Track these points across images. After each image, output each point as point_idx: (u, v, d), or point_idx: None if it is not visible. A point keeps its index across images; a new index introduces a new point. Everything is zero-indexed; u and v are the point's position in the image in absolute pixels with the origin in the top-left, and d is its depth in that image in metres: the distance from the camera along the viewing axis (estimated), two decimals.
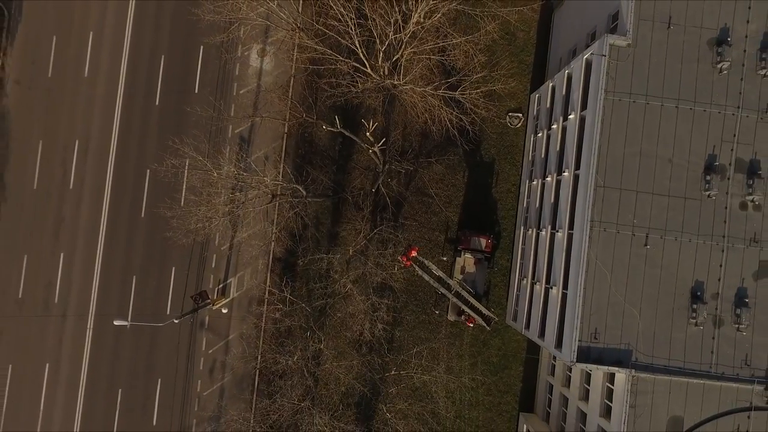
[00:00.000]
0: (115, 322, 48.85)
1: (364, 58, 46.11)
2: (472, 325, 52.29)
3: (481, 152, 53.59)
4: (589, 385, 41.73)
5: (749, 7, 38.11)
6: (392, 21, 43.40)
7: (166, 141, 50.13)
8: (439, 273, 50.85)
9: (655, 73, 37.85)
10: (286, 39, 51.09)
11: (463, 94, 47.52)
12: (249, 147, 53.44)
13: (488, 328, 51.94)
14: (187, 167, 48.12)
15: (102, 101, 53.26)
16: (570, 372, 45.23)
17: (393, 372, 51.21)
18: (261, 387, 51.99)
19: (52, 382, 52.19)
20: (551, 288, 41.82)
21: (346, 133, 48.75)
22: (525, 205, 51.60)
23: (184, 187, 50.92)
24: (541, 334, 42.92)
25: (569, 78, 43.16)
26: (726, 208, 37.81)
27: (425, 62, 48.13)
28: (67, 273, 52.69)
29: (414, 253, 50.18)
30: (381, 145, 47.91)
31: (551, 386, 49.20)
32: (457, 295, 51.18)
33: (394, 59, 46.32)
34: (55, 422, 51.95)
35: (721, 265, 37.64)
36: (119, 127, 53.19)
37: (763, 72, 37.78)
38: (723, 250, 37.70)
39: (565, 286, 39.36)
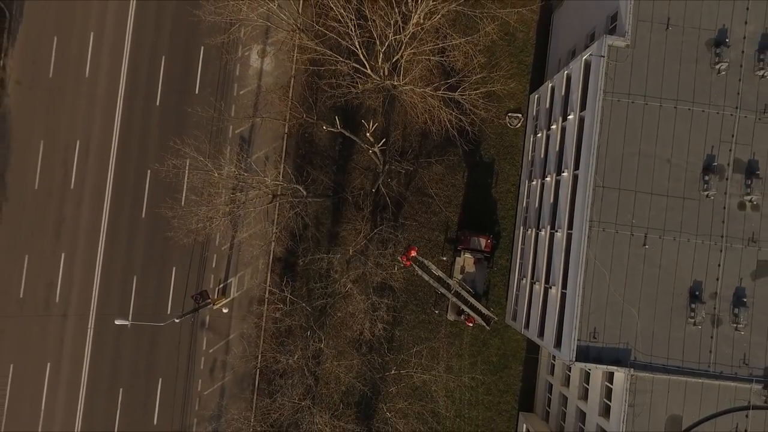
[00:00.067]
0: (116, 322, 49.06)
1: (364, 59, 46.25)
2: (471, 325, 52.44)
3: (480, 152, 53.75)
4: (588, 385, 41.87)
5: (747, 8, 38.24)
6: (392, 22, 43.52)
7: (166, 141, 50.26)
8: (439, 273, 50.98)
9: (653, 73, 38.01)
10: (286, 40, 51.20)
11: (463, 95, 47.67)
12: (249, 147, 53.59)
13: (488, 327, 52.10)
14: (187, 167, 48.23)
15: (103, 101, 53.41)
16: (569, 371, 45.37)
17: (393, 371, 51.35)
18: (261, 386, 52.14)
19: (54, 382, 52.34)
20: (550, 288, 41.97)
21: (347, 134, 48.88)
22: (524, 205, 51.75)
23: (185, 187, 51.07)
24: (541, 334, 43.06)
25: (568, 78, 43.30)
26: (724, 208, 37.96)
27: (425, 63, 48.26)
28: (68, 273, 52.84)
29: (413, 253, 50.31)
30: (381, 146, 48.04)
31: (551, 385, 49.35)
32: (457, 294, 51.32)
33: (394, 60, 46.46)
34: (56, 421, 52.11)
35: (719, 265, 37.79)
36: (120, 128, 53.34)
37: (760, 73, 37.91)
38: (721, 250, 37.85)
39: (564, 286, 39.49)
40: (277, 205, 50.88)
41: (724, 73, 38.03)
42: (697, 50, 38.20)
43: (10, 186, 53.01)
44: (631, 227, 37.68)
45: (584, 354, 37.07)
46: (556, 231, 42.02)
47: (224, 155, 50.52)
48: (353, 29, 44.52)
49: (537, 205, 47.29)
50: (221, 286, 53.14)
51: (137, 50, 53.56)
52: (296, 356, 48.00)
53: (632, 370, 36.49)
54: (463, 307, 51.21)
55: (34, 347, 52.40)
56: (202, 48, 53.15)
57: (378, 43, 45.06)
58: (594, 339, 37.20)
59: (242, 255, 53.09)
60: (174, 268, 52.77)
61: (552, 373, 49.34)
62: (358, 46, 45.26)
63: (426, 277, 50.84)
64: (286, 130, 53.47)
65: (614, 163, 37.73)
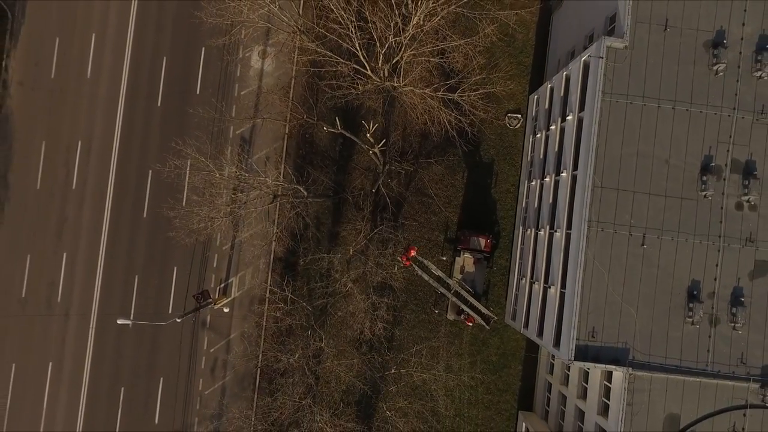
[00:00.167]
0: (118, 321, 49.20)
1: (364, 61, 46.43)
2: (471, 324, 52.62)
3: (480, 153, 53.95)
4: (587, 384, 42.04)
5: (745, 10, 38.39)
6: (392, 24, 43.69)
7: (168, 142, 50.48)
8: (439, 272, 51.15)
9: (651, 74, 38.18)
10: (287, 41, 51.37)
11: (463, 96, 47.83)
12: (250, 148, 53.79)
13: (487, 327, 52.28)
14: (189, 168, 48.46)
15: (104, 102, 53.62)
16: (568, 370, 45.55)
17: (393, 370, 51.52)
18: (262, 385, 52.32)
19: (55, 381, 52.54)
20: (549, 287, 42.13)
21: (347, 134, 49.06)
22: (524, 205, 51.92)
23: (186, 187, 51.20)
24: (540, 333, 43.23)
25: (567, 79, 43.47)
26: (722, 208, 38.15)
27: (425, 64, 48.41)
28: (70, 272, 53.05)
29: (413, 253, 50.45)
30: (381, 146, 48.20)
31: (550, 385, 49.51)
32: (457, 294, 51.49)
33: (394, 61, 46.64)
34: (58, 421, 52.31)
35: (717, 265, 37.97)
36: (122, 128, 53.54)
37: (758, 74, 38.10)
38: (719, 250, 38.02)
39: (563, 286, 39.65)
40: (278, 205, 51.08)
41: (721, 74, 38.21)
42: (695, 51, 38.38)
43: (12, 186, 53.23)
44: (630, 227, 37.86)
45: (583, 353, 37.23)
46: (555, 231, 42.19)
47: (225, 156, 50.74)
48: (353, 31, 44.71)
49: (536, 205, 47.46)
50: (222, 285, 53.32)
51: (139, 51, 53.77)
52: (297, 355, 48.17)
53: (630, 369, 36.65)
54: (463, 306, 51.37)
55: (36, 347, 52.61)
56: (204, 49, 53.36)
57: (378, 44, 45.24)
58: (593, 338, 37.38)
59: (243, 255, 53.28)
60: (175, 268, 52.96)
61: (551, 372, 49.50)
62: (358, 48, 45.45)
63: (426, 276, 51.01)
64: (287, 131, 53.66)
65: (613, 164, 37.91)
